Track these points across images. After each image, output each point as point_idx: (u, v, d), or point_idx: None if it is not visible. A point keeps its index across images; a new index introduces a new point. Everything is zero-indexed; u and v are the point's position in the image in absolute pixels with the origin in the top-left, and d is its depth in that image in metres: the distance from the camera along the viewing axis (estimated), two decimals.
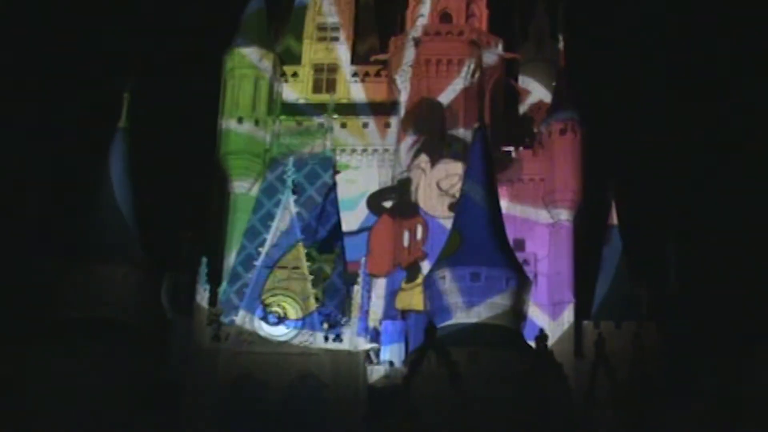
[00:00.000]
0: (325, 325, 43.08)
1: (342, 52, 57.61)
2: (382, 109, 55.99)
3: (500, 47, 55.97)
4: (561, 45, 57.54)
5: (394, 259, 53.08)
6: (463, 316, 43.51)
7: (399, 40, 55.93)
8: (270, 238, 44.24)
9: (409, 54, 54.97)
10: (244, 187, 54.29)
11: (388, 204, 54.46)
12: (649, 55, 79.26)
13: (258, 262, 43.98)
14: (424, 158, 53.33)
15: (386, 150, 55.11)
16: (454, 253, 44.82)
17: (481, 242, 44.78)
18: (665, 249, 50.84)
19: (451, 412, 41.39)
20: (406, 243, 52.90)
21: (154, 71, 62.69)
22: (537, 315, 49.10)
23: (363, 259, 48.18)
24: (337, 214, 46.85)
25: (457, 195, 49.65)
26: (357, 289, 43.79)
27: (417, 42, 54.89)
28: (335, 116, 50.94)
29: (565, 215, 54.21)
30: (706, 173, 74.62)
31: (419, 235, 52.68)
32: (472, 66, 54.42)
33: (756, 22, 75.62)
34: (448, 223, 49.10)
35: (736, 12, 77.37)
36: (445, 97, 54.24)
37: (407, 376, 42.62)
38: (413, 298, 49.78)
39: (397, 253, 53.08)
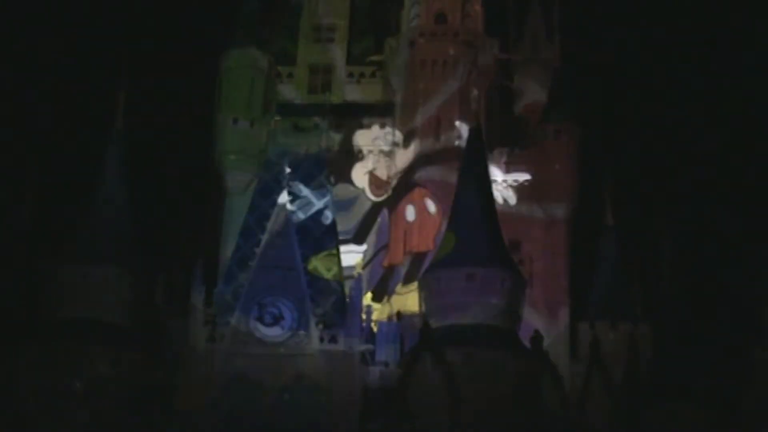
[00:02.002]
0: (321, 326, 43.07)
1: (337, 52, 57.53)
2: (377, 110, 55.92)
3: (495, 48, 55.93)
4: (556, 45, 57.59)
5: (405, 246, 52.69)
6: (458, 316, 43.42)
7: (394, 41, 55.87)
8: (265, 238, 44.26)
9: (405, 55, 54.91)
10: (239, 188, 54.19)
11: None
12: (645, 55, 79.19)
13: (253, 263, 43.98)
14: None
15: (381, 151, 55.02)
16: (449, 253, 44.77)
17: (476, 243, 44.73)
18: (661, 249, 50.83)
19: (446, 413, 41.39)
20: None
21: (150, 72, 62.62)
22: (532, 316, 49.01)
23: (359, 259, 48.21)
24: (333, 214, 46.80)
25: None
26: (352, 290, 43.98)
27: (412, 43, 54.84)
28: (330, 117, 50.85)
29: (560, 216, 54.21)
30: (703, 173, 74.62)
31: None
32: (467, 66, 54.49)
33: (756, 23, 75.65)
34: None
35: (735, 12, 77.42)
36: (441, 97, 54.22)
37: (402, 377, 42.62)
38: (408, 299, 49.71)
39: (395, 246, 52.77)
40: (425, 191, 52.32)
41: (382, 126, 53.99)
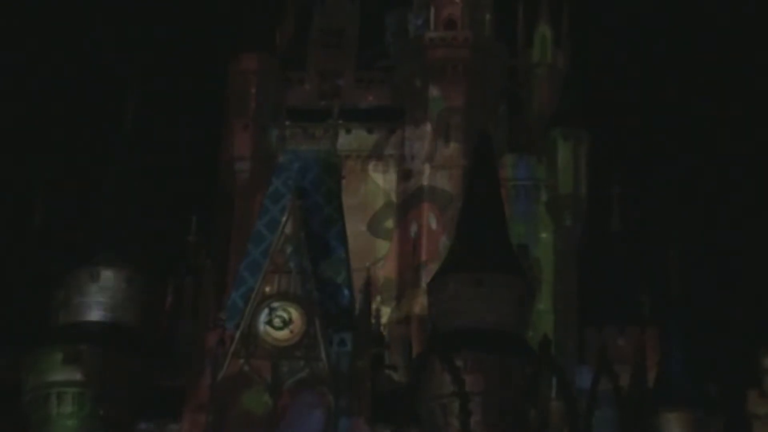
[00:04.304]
0: (330, 330, 43.17)
1: (347, 57, 57.57)
2: (386, 114, 55.98)
3: (504, 53, 56.02)
4: (566, 51, 57.65)
5: (405, 259, 52.74)
6: (466, 321, 43.49)
7: (404, 47, 55.94)
8: (275, 243, 44.35)
9: (414, 60, 55.00)
10: (249, 193, 54.22)
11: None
12: (655, 61, 79.29)
13: (263, 267, 44.08)
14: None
15: (391, 156, 55.14)
16: (457, 258, 44.88)
17: (485, 248, 44.81)
18: (668, 254, 50.90)
19: (454, 418, 41.49)
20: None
21: (160, 76, 62.82)
22: (540, 321, 49.09)
23: (368, 264, 48.28)
24: (342, 219, 46.89)
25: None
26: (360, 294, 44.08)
27: (421, 49, 54.92)
28: (340, 122, 50.96)
29: (568, 221, 54.27)
30: (710, 178, 74.75)
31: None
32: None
33: (761, 28, 75.71)
34: None
35: (743, 18, 77.48)
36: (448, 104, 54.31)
37: (411, 381, 42.72)
38: (417, 304, 49.83)
39: (404, 250, 52.79)
40: (430, 205, 52.40)
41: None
